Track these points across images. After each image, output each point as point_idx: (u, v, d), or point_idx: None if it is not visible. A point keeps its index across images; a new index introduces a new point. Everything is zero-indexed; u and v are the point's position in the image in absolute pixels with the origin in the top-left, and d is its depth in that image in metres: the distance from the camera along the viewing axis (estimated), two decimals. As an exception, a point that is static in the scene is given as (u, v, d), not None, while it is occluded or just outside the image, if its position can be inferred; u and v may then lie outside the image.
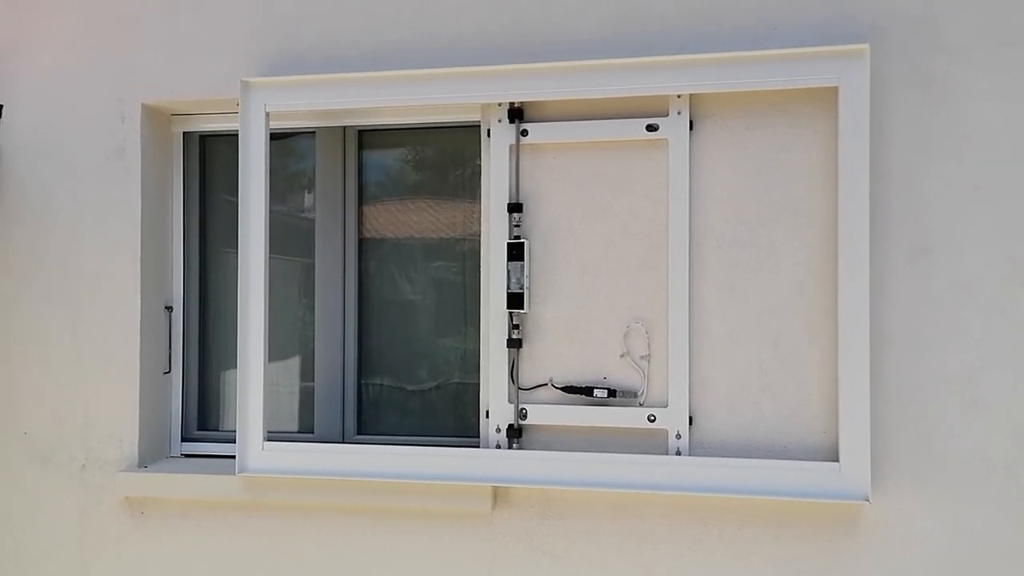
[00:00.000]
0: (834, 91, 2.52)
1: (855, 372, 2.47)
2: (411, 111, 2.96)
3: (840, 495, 2.47)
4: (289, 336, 3.17)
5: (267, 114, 2.83)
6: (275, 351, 3.16)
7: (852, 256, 2.48)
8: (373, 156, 3.12)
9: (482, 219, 2.79)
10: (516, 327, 2.72)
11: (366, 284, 3.10)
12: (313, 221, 3.11)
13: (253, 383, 2.80)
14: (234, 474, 2.79)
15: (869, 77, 2.47)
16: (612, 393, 2.66)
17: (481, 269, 2.80)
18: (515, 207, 2.72)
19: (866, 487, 2.45)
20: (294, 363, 3.16)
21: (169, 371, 3.15)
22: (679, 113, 2.63)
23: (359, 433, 3.07)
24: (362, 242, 3.09)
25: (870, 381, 2.50)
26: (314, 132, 3.11)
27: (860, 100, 2.48)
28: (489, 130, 2.77)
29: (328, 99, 2.81)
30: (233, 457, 2.86)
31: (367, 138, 3.11)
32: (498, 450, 2.70)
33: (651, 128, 2.64)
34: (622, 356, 2.69)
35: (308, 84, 2.81)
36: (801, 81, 2.52)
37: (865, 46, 2.47)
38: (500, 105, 2.74)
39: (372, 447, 2.79)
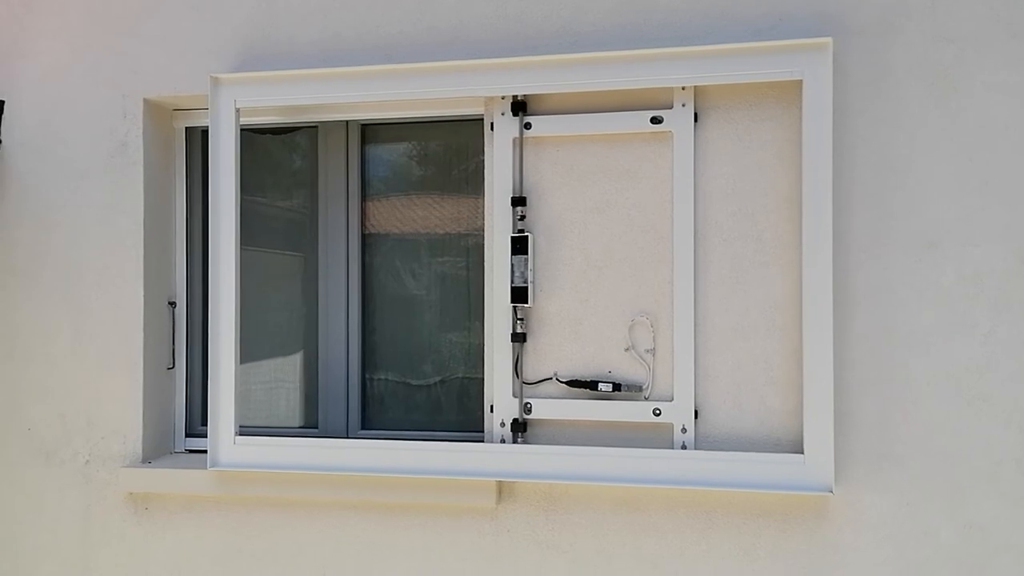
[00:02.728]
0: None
1: (818, 365, 2.47)
2: (412, 105, 2.94)
3: (805, 487, 2.47)
4: (293, 332, 3.16)
5: (237, 110, 2.83)
6: (278, 347, 3.17)
7: (815, 249, 2.48)
8: (376, 151, 3.11)
9: (486, 213, 2.78)
10: (520, 321, 2.71)
11: (370, 279, 3.09)
12: (316, 216, 3.10)
13: (224, 378, 2.80)
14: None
15: (832, 70, 2.47)
16: (617, 387, 2.65)
17: (485, 263, 2.79)
18: (519, 201, 2.71)
19: (829, 479, 2.45)
20: (298, 359, 3.15)
21: (172, 367, 3.14)
22: (683, 105, 2.61)
23: (363, 428, 3.06)
24: (365, 237, 3.08)
25: (874, 376, 2.52)
26: (316, 127, 3.10)
27: (823, 93, 2.47)
28: (492, 123, 2.76)
29: (298, 95, 2.80)
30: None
31: (370, 133, 3.10)
32: (503, 445, 2.69)
33: (656, 120, 2.63)
34: (627, 350, 2.68)
35: (278, 80, 2.81)
36: (765, 75, 2.52)
37: (828, 40, 2.47)
38: (503, 98, 2.73)
39: (352, 441, 2.80)
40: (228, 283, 2.81)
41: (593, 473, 2.59)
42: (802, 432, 2.51)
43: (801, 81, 2.51)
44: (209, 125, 2.83)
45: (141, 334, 2.98)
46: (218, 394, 2.80)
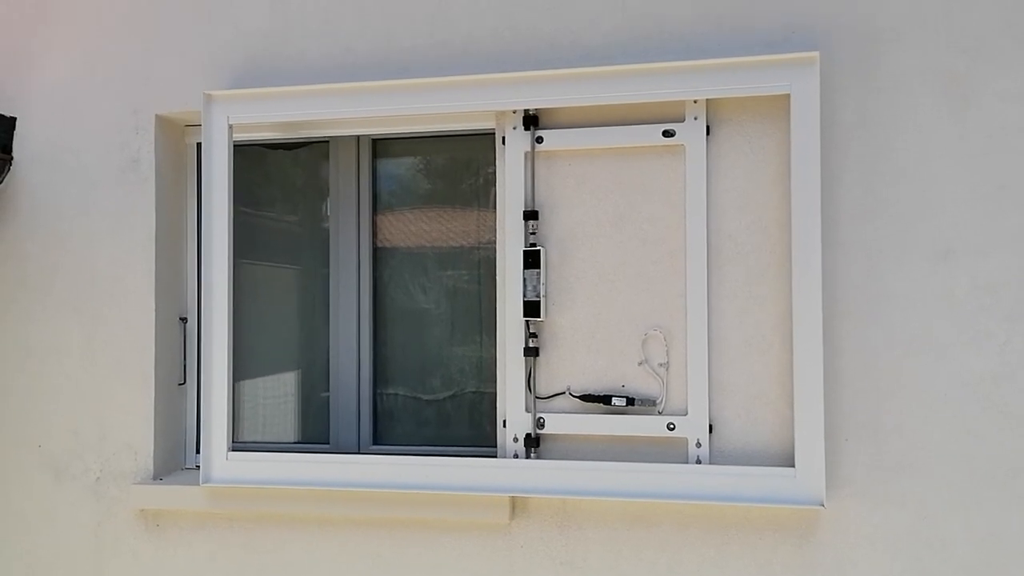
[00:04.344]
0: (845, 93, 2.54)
1: (808, 379, 2.47)
2: (422, 120, 2.93)
3: (796, 500, 2.47)
4: (304, 347, 3.15)
5: (230, 126, 2.84)
6: (290, 362, 3.16)
7: (805, 264, 2.47)
8: (387, 165, 3.11)
9: (497, 227, 2.78)
10: (533, 335, 2.70)
11: (381, 293, 3.08)
12: (327, 230, 3.09)
13: (216, 393, 2.80)
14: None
15: (819, 84, 2.48)
16: (631, 401, 2.64)
17: (497, 277, 2.79)
18: (531, 214, 2.71)
19: (821, 492, 2.44)
20: (310, 374, 3.14)
21: (184, 382, 3.14)
22: (696, 118, 2.61)
23: (375, 443, 3.05)
24: (377, 251, 3.08)
25: (890, 386, 2.50)
26: (327, 141, 3.10)
27: (811, 107, 2.48)
28: (504, 137, 2.76)
29: (292, 111, 2.82)
30: (249, 468, 2.84)
31: (381, 147, 3.10)
32: (516, 460, 2.68)
33: (668, 134, 2.63)
34: (640, 364, 2.66)
35: (272, 96, 2.83)
36: (755, 89, 2.52)
37: (815, 54, 2.48)
38: (515, 112, 2.73)
39: (352, 456, 2.79)
40: (221, 299, 2.81)
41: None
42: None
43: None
44: (202, 141, 2.85)
45: (152, 349, 2.97)
46: (210, 410, 2.80)
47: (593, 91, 2.62)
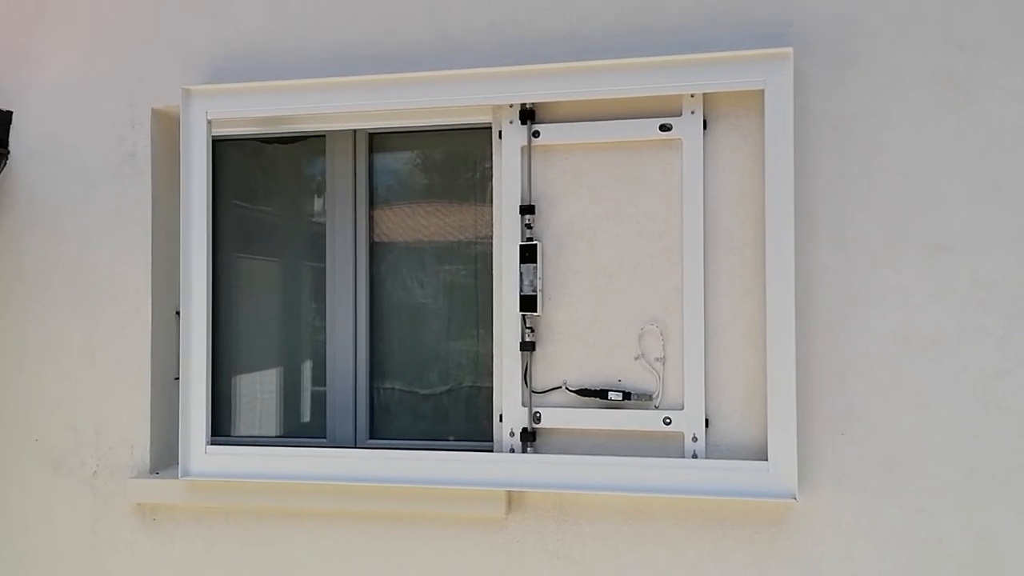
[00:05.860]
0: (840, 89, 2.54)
1: (781, 373, 2.47)
2: (418, 114, 2.91)
3: (769, 494, 2.47)
4: (301, 341, 3.15)
5: (209, 121, 2.85)
6: (286, 356, 3.16)
7: (778, 259, 2.48)
8: (384, 159, 3.11)
9: (494, 221, 2.78)
10: (529, 330, 2.70)
11: (378, 288, 3.08)
12: (324, 225, 3.09)
13: (195, 387, 2.81)
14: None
15: (793, 80, 2.48)
16: (627, 396, 2.64)
17: (493, 271, 2.78)
18: (527, 209, 2.70)
19: (793, 486, 2.45)
20: (307, 368, 3.14)
21: (179, 377, 3.13)
22: (693, 113, 2.60)
23: (372, 437, 3.05)
24: (373, 246, 3.08)
25: (886, 382, 2.50)
26: (324, 136, 3.10)
27: (784, 102, 2.48)
28: (501, 132, 2.75)
29: (271, 106, 2.82)
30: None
31: (377, 141, 3.09)
32: (512, 454, 2.68)
33: (664, 128, 2.62)
34: (637, 358, 2.66)
35: (252, 91, 2.83)
36: (729, 84, 2.53)
37: (789, 49, 2.48)
38: (511, 106, 2.72)
39: (331, 450, 2.78)
40: (199, 292, 2.82)
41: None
42: (807, 439, 2.52)
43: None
44: (181, 136, 2.85)
45: (149, 344, 2.97)
46: (189, 404, 2.82)
47: (584, 85, 2.61)
